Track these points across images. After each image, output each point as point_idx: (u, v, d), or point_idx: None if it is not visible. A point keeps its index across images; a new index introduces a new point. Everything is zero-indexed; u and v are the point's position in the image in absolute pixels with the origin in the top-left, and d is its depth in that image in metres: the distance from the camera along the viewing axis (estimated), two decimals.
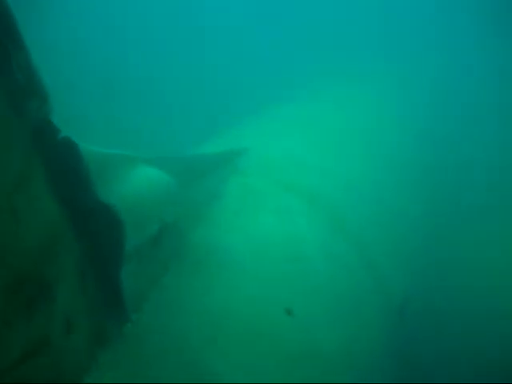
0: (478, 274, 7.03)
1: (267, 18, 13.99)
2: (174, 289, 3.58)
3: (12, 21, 2.08)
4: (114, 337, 3.18)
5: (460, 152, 9.34)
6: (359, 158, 6.52)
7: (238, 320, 3.64)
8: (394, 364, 4.90)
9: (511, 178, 8.97)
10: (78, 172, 2.63)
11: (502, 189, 8.74)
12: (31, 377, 2.37)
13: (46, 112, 2.39)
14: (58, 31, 12.50)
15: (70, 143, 2.53)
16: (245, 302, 3.76)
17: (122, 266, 3.26)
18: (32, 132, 2.32)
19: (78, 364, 2.83)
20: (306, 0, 14.24)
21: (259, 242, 4.18)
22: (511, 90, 11.77)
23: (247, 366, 3.45)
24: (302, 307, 4.00)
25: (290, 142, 6.15)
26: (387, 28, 12.89)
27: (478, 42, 12.87)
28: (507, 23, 13.26)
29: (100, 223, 3.17)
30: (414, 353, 5.62)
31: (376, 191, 6.15)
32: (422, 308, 5.99)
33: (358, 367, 4.25)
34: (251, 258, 4.01)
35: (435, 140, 8.75)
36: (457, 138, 9.55)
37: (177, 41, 12.72)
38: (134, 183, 3.41)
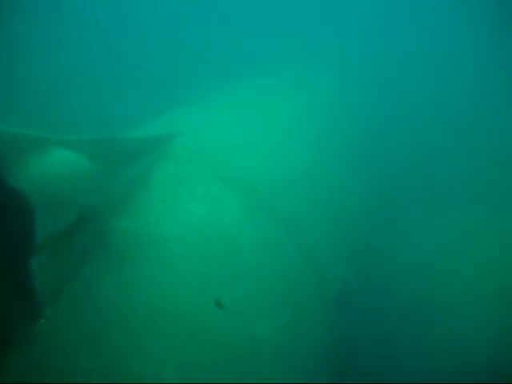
0: (418, 260, 7.10)
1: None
2: (94, 282, 3.32)
3: None
4: (24, 335, 2.90)
5: (400, 143, 9.41)
6: (298, 147, 6.39)
7: (164, 316, 3.42)
8: (333, 353, 4.84)
9: (452, 169, 9.15)
10: None
11: (441, 179, 8.89)
12: None
13: None
14: None
15: None
16: (173, 296, 3.54)
17: (34, 257, 2.98)
18: None
19: None
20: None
21: (188, 231, 3.97)
22: (461, 73, 11.93)
23: (176, 364, 3.25)
24: (236, 299, 3.83)
25: (227, 130, 5.94)
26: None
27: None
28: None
29: (7, 209, 2.87)
30: (353, 342, 5.59)
31: (315, 179, 6.05)
32: (362, 297, 5.98)
33: (295, 357, 4.14)
34: (179, 248, 3.80)
35: (378, 128, 8.77)
36: (400, 127, 9.60)
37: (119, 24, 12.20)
38: (47, 167, 3.11)
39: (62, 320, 3.05)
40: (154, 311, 3.41)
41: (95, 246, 3.41)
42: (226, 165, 5.11)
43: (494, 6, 12.73)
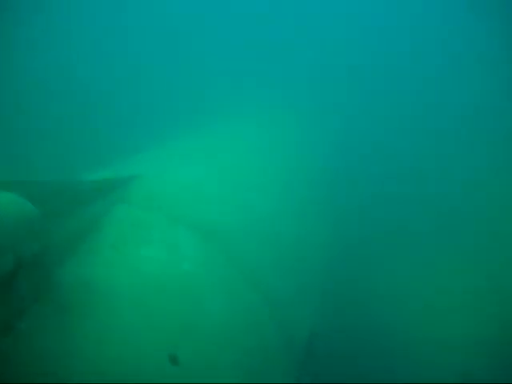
0: (388, 305, 6.93)
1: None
2: (32, 335, 3.01)
3: None
4: None
5: (369, 179, 9.30)
6: (262, 191, 6.21)
7: (112, 376, 3.12)
8: None
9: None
10: None
11: (412, 219, 8.78)
12: None
13: None
14: None
15: None
16: (122, 353, 3.25)
17: None
18: None
19: None
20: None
21: (140, 280, 3.69)
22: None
23: None
24: (193, 353, 3.54)
25: (187, 173, 5.74)
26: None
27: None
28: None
29: None
30: None
31: (279, 225, 5.85)
32: (330, 344, 5.73)
33: None
34: (129, 300, 3.51)
35: (347, 168, 8.67)
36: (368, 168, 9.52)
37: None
38: None
39: None
40: (101, 372, 3.11)
41: (34, 297, 3.12)
42: (186, 209, 4.88)
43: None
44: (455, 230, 8.29)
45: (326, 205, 7.03)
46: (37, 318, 3.09)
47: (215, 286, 4.16)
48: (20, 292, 3.06)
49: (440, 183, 9.80)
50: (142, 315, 3.46)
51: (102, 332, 3.26)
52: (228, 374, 3.58)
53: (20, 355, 2.86)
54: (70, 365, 3.05)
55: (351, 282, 6.77)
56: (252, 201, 5.66)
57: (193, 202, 5.03)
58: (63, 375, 2.97)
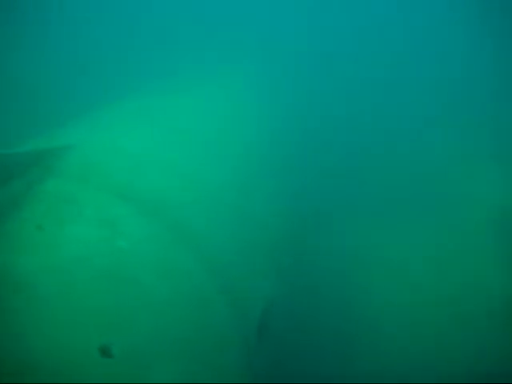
0: (348, 273, 6.77)
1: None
2: None
3: None
4: None
5: (327, 151, 9.02)
6: (214, 160, 5.78)
7: (36, 372, 2.75)
8: None
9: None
10: None
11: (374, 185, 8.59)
12: None
13: None
14: None
15: None
16: (48, 347, 2.87)
17: None
18: None
19: None
20: None
21: (69, 264, 3.29)
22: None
23: None
24: (130, 343, 3.18)
25: (130, 140, 5.26)
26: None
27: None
28: None
29: None
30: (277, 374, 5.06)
31: (230, 195, 5.46)
32: (285, 324, 5.49)
33: None
34: (56, 286, 3.11)
35: (303, 131, 8.31)
36: (323, 136, 9.21)
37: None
38: None
39: None
40: (23, 368, 2.73)
41: None
42: (126, 180, 4.44)
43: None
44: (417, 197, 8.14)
45: (281, 176, 6.68)
46: None
47: (156, 263, 3.79)
48: None
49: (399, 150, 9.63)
50: (70, 304, 3.07)
51: (23, 327, 2.86)
52: (171, 364, 3.24)
53: None
54: None
55: (307, 254, 6.53)
56: (201, 171, 5.25)
57: (134, 173, 4.59)
58: None
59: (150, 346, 3.28)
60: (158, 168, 4.90)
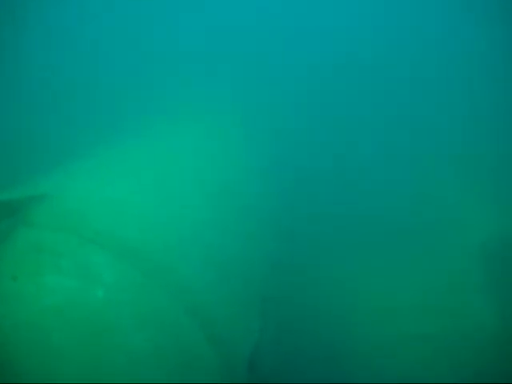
0: (336, 308, 6.69)
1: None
2: None
3: None
4: None
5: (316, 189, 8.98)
6: (194, 203, 5.70)
7: None
8: None
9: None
10: None
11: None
12: None
13: None
14: None
15: None
16: None
17: None
18: None
19: None
20: None
21: (44, 316, 3.17)
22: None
23: None
24: None
25: (108, 188, 5.18)
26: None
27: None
28: None
29: None
30: None
31: (213, 238, 5.37)
32: (273, 367, 5.37)
33: None
34: (30, 337, 2.99)
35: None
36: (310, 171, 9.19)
37: None
38: None
39: None
40: None
41: None
42: (103, 228, 4.35)
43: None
44: (404, 228, 8.15)
45: (267, 215, 6.63)
46: None
47: (137, 312, 3.68)
48: None
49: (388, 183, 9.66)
50: (43, 358, 2.94)
51: None
52: None
53: None
54: None
55: (296, 291, 6.45)
56: (180, 216, 5.17)
57: (111, 221, 4.50)
58: None
59: None
60: (135, 215, 4.82)
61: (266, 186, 7.14)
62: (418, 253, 7.63)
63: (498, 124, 10.41)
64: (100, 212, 4.57)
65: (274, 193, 7.27)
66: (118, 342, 3.42)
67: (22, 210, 4.18)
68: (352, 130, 10.64)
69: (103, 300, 3.57)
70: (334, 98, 11.33)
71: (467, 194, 8.93)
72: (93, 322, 3.35)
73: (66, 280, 3.53)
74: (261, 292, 5.59)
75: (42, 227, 4.03)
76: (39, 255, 3.63)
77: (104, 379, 3.13)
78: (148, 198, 5.20)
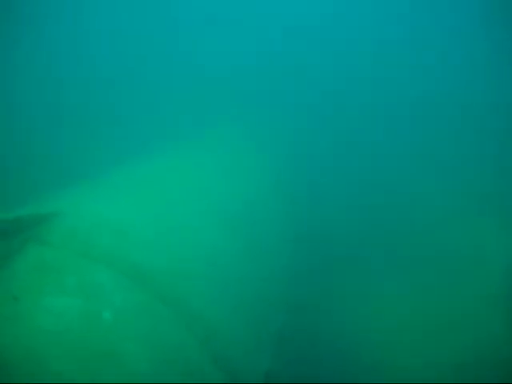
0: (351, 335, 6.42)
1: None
2: None
3: None
4: None
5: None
6: (205, 226, 5.49)
7: None
8: None
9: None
10: None
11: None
12: None
13: None
14: None
15: None
16: None
17: None
18: None
19: None
20: None
21: (47, 339, 2.98)
22: None
23: None
24: None
25: (119, 209, 5.01)
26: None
27: None
28: None
29: None
30: None
31: (225, 265, 5.14)
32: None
33: None
34: (28, 362, 2.79)
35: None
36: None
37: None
38: None
39: None
40: None
41: None
42: (113, 249, 4.17)
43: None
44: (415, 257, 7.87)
45: (277, 240, 6.38)
46: None
47: (145, 337, 3.46)
48: None
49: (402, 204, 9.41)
50: None
51: None
52: None
53: None
54: None
55: (310, 322, 6.19)
56: (192, 239, 4.97)
57: (122, 242, 4.32)
58: None
59: None
60: (146, 236, 4.64)
61: (282, 206, 6.93)
62: (436, 280, 7.35)
63: None
64: (111, 232, 4.40)
65: (290, 212, 7.07)
66: (123, 368, 3.21)
67: (33, 227, 4.03)
68: (369, 149, 10.46)
69: (110, 322, 3.37)
70: (349, 111, 11.18)
71: (487, 218, 8.63)
72: (97, 346, 3.15)
73: (71, 301, 3.35)
74: (275, 323, 5.35)
75: (49, 246, 3.88)
76: (44, 274, 3.46)
77: None
78: (161, 220, 5.02)
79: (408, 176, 9.99)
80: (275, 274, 5.85)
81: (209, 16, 13.75)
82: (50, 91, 10.63)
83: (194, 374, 3.69)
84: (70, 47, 12.18)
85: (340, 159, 10.02)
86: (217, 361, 3.96)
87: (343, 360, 6.19)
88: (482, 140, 10.70)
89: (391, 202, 9.28)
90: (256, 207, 6.29)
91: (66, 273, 3.55)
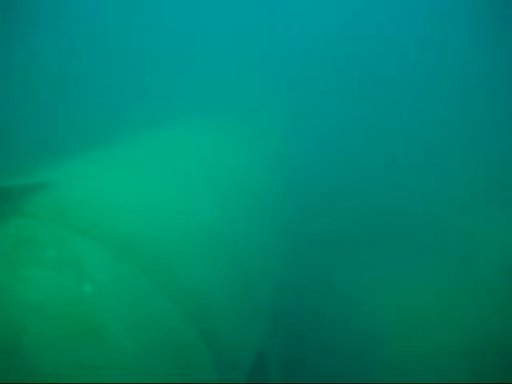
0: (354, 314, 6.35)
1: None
2: None
3: None
4: None
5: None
6: (198, 198, 5.38)
7: None
8: None
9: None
10: None
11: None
12: None
13: None
14: None
15: None
16: None
17: None
18: None
19: None
20: None
21: (22, 314, 2.89)
22: None
23: None
24: None
25: (108, 179, 4.92)
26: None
27: None
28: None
29: None
30: None
31: (221, 237, 5.05)
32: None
33: None
34: (12, 335, 2.72)
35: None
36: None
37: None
38: None
39: None
40: None
41: None
42: (101, 220, 4.08)
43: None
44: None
45: (272, 213, 6.27)
46: None
47: (130, 313, 3.37)
48: None
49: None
50: (20, 363, 2.66)
51: None
52: None
53: None
54: None
55: (305, 300, 6.12)
56: (183, 211, 4.86)
57: (109, 213, 4.22)
58: None
59: None
60: (138, 211, 4.54)
61: (276, 183, 6.80)
62: (437, 264, 7.25)
63: None
64: (101, 205, 4.31)
65: (284, 190, 6.94)
66: (105, 343, 3.12)
67: (18, 198, 3.94)
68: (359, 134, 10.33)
69: (91, 296, 3.28)
70: (346, 101, 11.02)
71: (489, 207, 8.49)
72: (77, 321, 3.06)
73: (51, 273, 3.26)
74: (269, 299, 5.26)
75: (34, 217, 3.79)
76: (23, 246, 3.37)
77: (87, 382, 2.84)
78: (153, 194, 4.92)
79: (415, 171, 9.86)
80: (272, 248, 5.74)
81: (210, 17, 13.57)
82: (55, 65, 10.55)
83: (179, 348, 3.61)
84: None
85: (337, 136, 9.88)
86: (204, 334, 3.88)
87: (344, 341, 6.13)
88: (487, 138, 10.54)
89: (401, 190, 9.19)
90: (250, 180, 6.17)
91: (49, 245, 3.46)
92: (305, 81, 11.40)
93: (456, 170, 9.61)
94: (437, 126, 10.99)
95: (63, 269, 3.33)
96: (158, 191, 4.89)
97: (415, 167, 9.90)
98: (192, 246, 4.53)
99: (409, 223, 8.30)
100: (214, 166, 6.03)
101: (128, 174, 5.16)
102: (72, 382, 2.76)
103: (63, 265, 3.36)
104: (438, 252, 7.54)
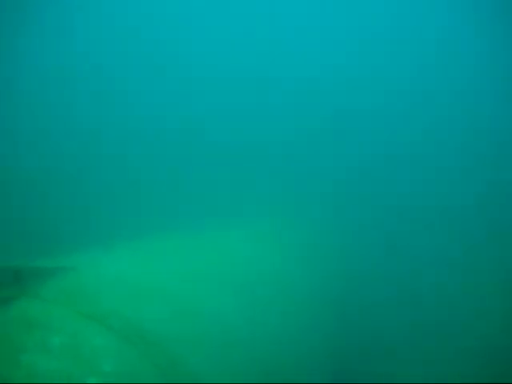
0: None
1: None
2: None
3: None
4: None
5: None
6: (215, 291, 5.12)
7: None
8: None
9: None
10: None
11: None
12: None
13: None
14: None
15: None
16: None
17: None
18: None
19: None
20: None
21: None
22: None
23: None
24: None
25: (131, 271, 4.75)
26: None
27: None
28: None
29: None
30: None
31: (235, 330, 4.73)
32: None
33: None
34: None
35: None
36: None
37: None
38: None
39: None
40: None
41: None
42: (114, 308, 3.85)
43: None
44: None
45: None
46: None
47: None
48: None
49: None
50: None
51: None
52: None
53: None
54: None
55: None
56: (202, 310, 4.59)
57: (127, 305, 4.00)
58: None
59: None
60: (153, 303, 4.30)
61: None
62: None
63: None
64: (117, 294, 4.11)
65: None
66: None
67: (30, 279, 3.78)
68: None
69: None
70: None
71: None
72: None
73: (54, 362, 3.00)
74: None
75: (46, 301, 3.60)
76: (30, 331, 3.14)
77: None
78: (170, 287, 4.70)
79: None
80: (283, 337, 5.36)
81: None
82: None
83: None
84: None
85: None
86: None
87: None
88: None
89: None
90: (257, 276, 5.89)
91: (52, 330, 3.23)
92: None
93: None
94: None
95: (66, 357, 3.07)
96: (176, 286, 4.67)
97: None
98: (206, 344, 4.23)
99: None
100: (233, 262, 5.84)
101: (148, 266, 5.00)
102: None
103: (67, 353, 3.11)
104: None
